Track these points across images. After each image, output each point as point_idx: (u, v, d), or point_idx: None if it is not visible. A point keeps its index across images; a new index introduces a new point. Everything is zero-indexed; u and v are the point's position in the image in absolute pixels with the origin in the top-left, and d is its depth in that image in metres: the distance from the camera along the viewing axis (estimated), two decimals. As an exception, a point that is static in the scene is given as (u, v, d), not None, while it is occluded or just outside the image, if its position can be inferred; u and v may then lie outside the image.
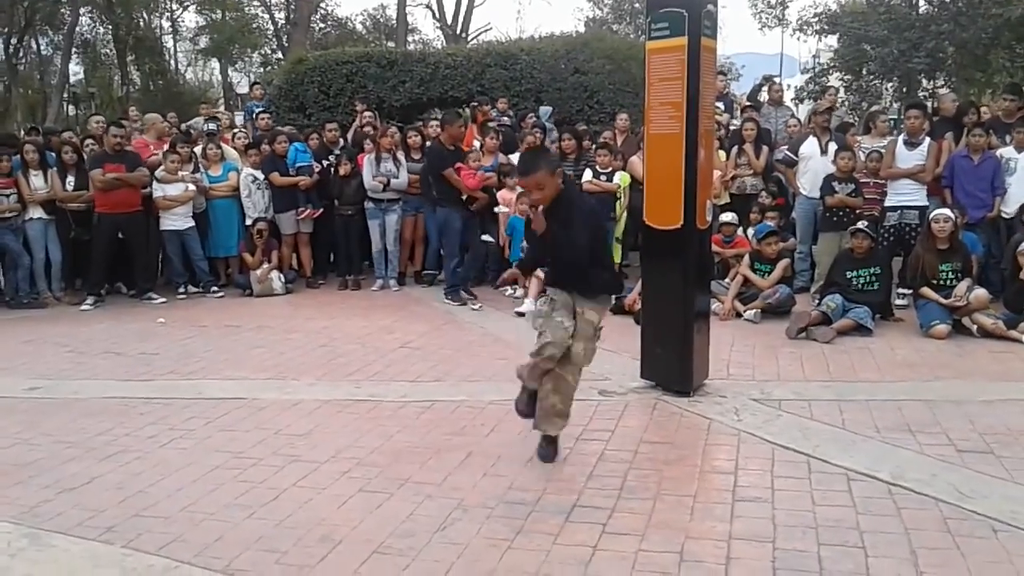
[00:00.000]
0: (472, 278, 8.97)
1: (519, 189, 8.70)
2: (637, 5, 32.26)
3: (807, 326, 6.88)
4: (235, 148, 10.20)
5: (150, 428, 4.94)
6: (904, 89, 18.15)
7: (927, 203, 8.03)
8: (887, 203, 8.22)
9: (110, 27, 29.79)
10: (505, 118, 11.25)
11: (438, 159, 8.58)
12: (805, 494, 3.83)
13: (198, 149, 9.85)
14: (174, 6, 33.77)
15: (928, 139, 8.16)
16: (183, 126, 12.16)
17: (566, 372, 4.15)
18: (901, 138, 8.29)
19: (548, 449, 4.28)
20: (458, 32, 32.60)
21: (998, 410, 4.96)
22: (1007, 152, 8.08)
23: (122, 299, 9.30)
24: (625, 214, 9.27)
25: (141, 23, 31.46)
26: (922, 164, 8.03)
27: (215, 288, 9.42)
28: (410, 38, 33.42)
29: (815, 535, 3.42)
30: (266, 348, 6.90)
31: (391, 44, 29.67)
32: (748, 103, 11.72)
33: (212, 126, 10.88)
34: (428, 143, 9.30)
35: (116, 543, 3.49)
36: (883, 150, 8.37)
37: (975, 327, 6.84)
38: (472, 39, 31.19)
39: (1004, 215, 8.02)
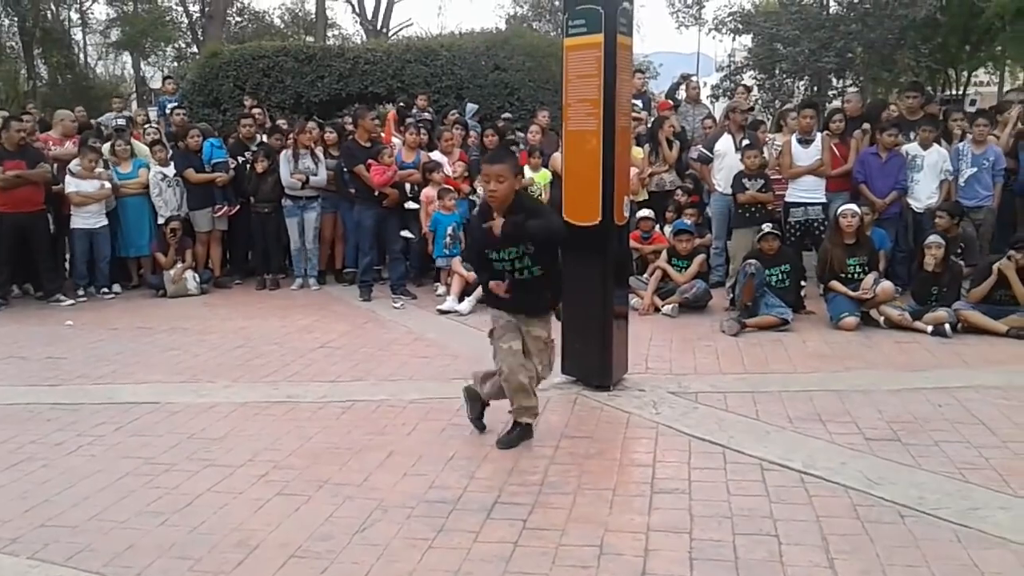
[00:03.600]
0: (406, 277, 8.88)
1: (443, 186, 8.69)
2: (556, 2, 32.41)
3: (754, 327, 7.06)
4: (145, 143, 9.91)
5: (57, 435, 4.78)
6: (815, 88, 18.61)
7: (825, 199, 8.28)
8: (788, 199, 8.43)
9: (15, 19, 28.60)
10: (426, 114, 11.19)
11: (350, 156, 8.59)
12: (721, 484, 3.91)
13: (106, 146, 9.52)
14: (83, -3, 32.67)
15: (819, 135, 8.40)
16: (93, 122, 11.79)
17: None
18: (794, 137, 8.50)
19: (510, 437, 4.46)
20: (378, 27, 32.25)
21: (904, 399, 5.14)
22: (912, 149, 8.36)
23: (28, 301, 8.96)
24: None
25: (48, 15, 30.29)
26: (820, 159, 8.27)
27: (106, 290, 9.12)
28: (329, 33, 32.94)
29: (730, 525, 3.49)
30: (180, 350, 6.73)
31: (310, 39, 29.20)
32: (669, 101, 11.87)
33: (122, 122, 10.55)
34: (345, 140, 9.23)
35: (21, 555, 3.37)
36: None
37: (882, 319, 7.07)
38: (392, 35, 30.91)
39: (915, 209, 8.31)
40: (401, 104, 11.64)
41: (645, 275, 8.15)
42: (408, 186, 8.97)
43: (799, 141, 8.37)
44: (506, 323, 4.34)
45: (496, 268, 4.27)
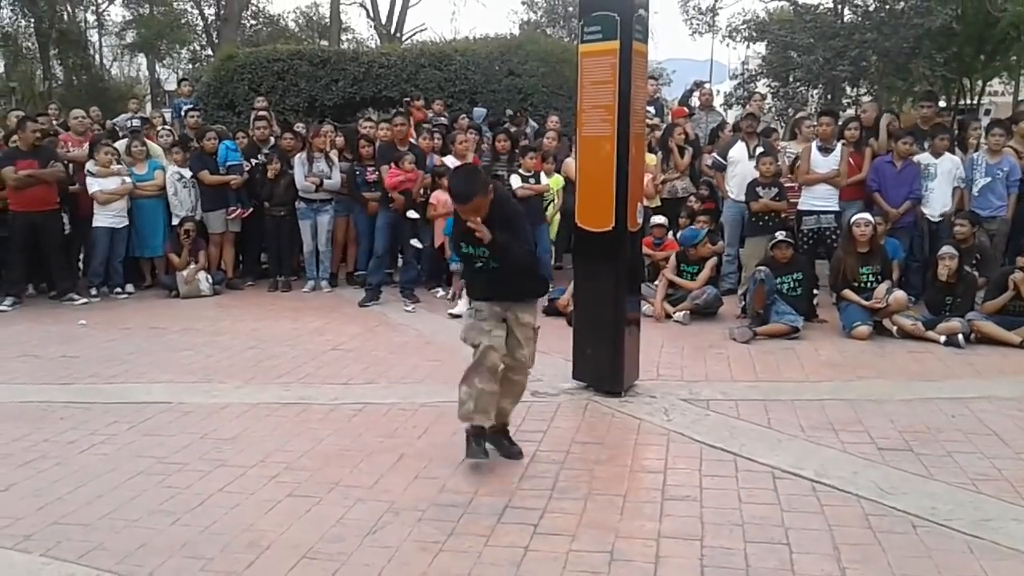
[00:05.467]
0: (416, 281, 8.90)
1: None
2: (571, 9, 32.48)
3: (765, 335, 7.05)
4: (160, 145, 9.95)
5: (70, 433, 4.80)
6: (829, 96, 18.57)
7: (838, 208, 8.25)
8: (801, 207, 8.39)
9: (32, 20, 28.79)
10: (442, 119, 11.24)
11: (381, 156, 8.78)
12: (732, 492, 3.90)
13: (121, 145, 9.54)
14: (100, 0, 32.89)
15: (840, 144, 8.36)
16: (108, 123, 11.86)
17: (518, 376, 4.34)
18: (815, 144, 8.45)
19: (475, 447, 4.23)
20: (392, 32, 32.36)
21: (917, 409, 5.12)
22: (925, 158, 8.34)
23: (42, 300, 9.00)
24: (558, 216, 9.32)
25: (65, 16, 30.48)
26: (837, 169, 8.24)
27: (119, 290, 9.17)
28: (344, 37, 33.05)
29: (742, 532, 3.48)
30: (192, 351, 6.76)
31: (324, 42, 29.32)
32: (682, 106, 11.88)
33: (137, 123, 10.61)
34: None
35: (34, 552, 3.39)
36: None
37: (895, 328, 7.05)
38: (406, 39, 31.01)
39: (929, 219, 8.28)
40: (406, 99, 11.65)
41: (655, 282, 8.14)
42: (423, 191, 8.98)
43: (819, 149, 8.33)
44: (490, 312, 4.20)
45: (472, 259, 4.20)
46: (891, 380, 5.87)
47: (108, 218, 8.93)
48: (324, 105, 13.32)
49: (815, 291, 7.82)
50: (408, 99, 11.65)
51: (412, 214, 8.78)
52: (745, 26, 22.11)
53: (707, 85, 12.64)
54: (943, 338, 6.76)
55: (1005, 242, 8.29)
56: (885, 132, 8.96)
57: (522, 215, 4.37)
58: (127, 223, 9.09)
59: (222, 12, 29.88)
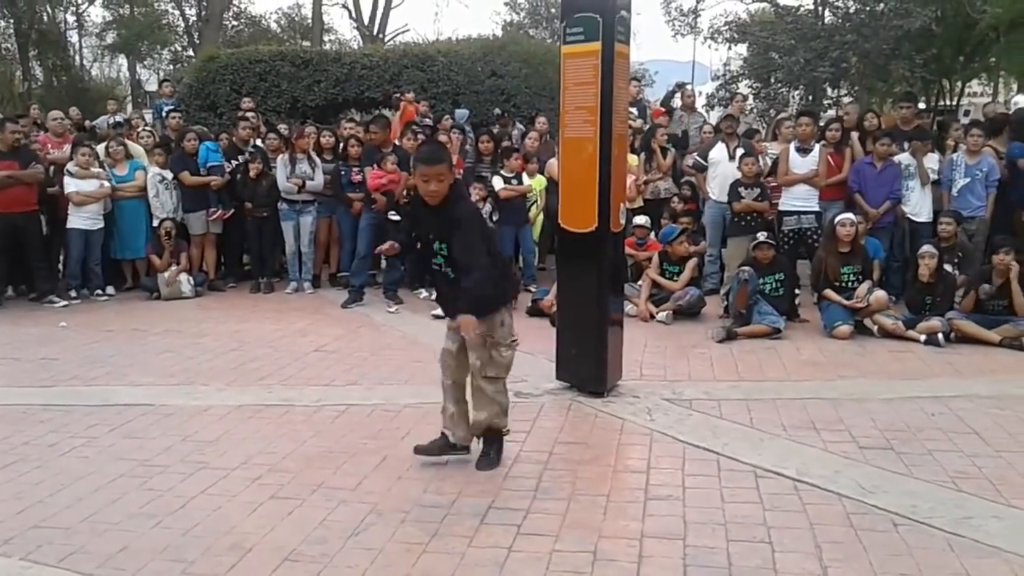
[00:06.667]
0: (398, 283, 8.88)
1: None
2: (553, 10, 32.59)
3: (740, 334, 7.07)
4: (141, 146, 9.89)
5: (51, 436, 4.76)
6: (810, 97, 18.71)
7: (818, 208, 8.31)
8: (782, 207, 8.44)
9: (11, 20, 28.59)
10: (427, 120, 11.24)
11: (367, 156, 8.79)
12: (715, 491, 3.91)
13: (101, 147, 9.47)
14: (80, 0, 32.67)
15: (818, 145, 8.42)
16: (87, 124, 11.78)
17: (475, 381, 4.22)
18: (793, 145, 8.50)
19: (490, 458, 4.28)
20: (375, 33, 32.34)
21: (898, 407, 5.15)
22: (905, 159, 8.41)
23: (22, 302, 8.92)
24: (542, 216, 9.33)
25: (44, 17, 30.29)
26: (816, 169, 8.29)
27: (99, 292, 9.10)
28: (326, 38, 32.98)
29: (724, 531, 3.50)
30: (174, 352, 6.72)
31: (306, 43, 29.23)
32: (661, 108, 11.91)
33: (117, 119, 10.54)
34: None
35: (14, 556, 3.36)
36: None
37: (876, 327, 7.09)
38: (389, 40, 30.99)
39: (911, 218, 8.35)
40: (396, 95, 11.66)
41: (638, 282, 8.16)
42: (406, 192, 8.96)
43: (797, 150, 8.38)
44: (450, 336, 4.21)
45: (429, 253, 4.15)
46: (872, 379, 5.91)
47: (82, 220, 8.83)
48: (306, 106, 13.28)
49: (796, 291, 7.87)
50: (399, 94, 11.64)
51: (394, 215, 8.76)
52: (727, 27, 22.29)
53: (689, 86, 12.70)
54: (923, 337, 6.81)
55: (984, 241, 8.36)
56: (857, 142, 9.02)
57: (475, 218, 4.20)
58: (102, 225, 9.00)
59: (203, 13, 29.77)
